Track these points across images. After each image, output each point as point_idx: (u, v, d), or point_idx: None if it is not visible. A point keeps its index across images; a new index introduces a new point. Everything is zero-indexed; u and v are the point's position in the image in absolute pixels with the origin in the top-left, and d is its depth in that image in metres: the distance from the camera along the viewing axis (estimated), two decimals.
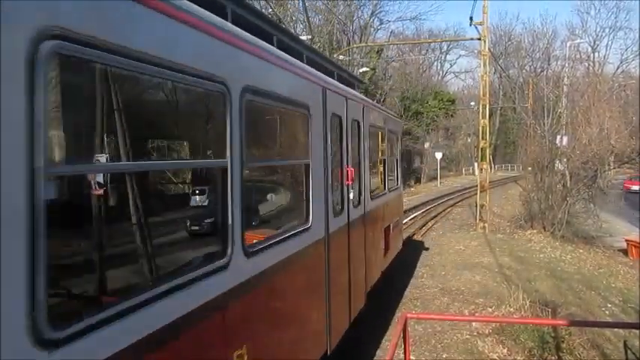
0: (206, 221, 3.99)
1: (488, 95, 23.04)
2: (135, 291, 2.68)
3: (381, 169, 10.14)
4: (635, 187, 40.40)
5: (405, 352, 5.26)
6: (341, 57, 33.46)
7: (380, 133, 9.81)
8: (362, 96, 8.53)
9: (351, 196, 6.79)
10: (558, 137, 24.51)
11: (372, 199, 8.24)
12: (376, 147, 9.77)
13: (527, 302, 10.41)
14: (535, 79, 54.64)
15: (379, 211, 9.08)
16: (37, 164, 1.90)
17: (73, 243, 3.23)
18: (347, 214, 6.62)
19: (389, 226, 10.14)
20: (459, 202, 34.01)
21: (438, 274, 13.18)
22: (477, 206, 23.06)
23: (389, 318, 9.59)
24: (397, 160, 12.00)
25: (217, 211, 3.50)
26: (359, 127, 7.48)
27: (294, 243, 4.67)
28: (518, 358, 8.38)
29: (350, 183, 6.69)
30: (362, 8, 44.61)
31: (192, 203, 4.79)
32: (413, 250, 16.73)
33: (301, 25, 37.48)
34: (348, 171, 6.64)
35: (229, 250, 3.36)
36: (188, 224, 4.28)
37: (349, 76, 8.63)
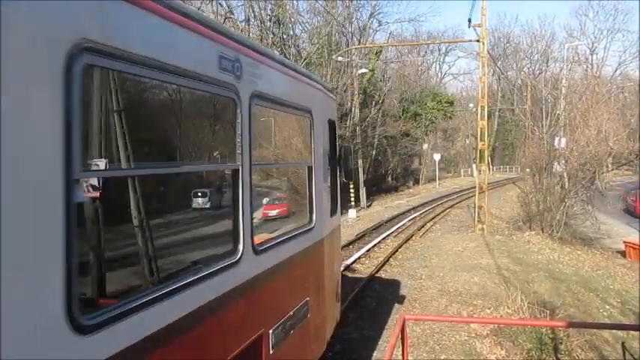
0: None
1: (486, 97, 23.08)
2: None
3: (236, 196, 3.67)
4: None
5: (403, 354, 5.24)
6: (340, 58, 33.50)
7: (250, 108, 3.72)
8: None
9: None
10: (556, 139, 24.54)
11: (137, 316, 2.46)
12: (220, 140, 4.18)
13: (526, 303, 10.40)
14: (533, 81, 54.82)
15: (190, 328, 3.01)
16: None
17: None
18: None
19: (279, 325, 4.39)
20: (457, 203, 34.06)
21: (436, 276, 13.17)
22: (475, 207, 23.10)
23: (387, 319, 9.59)
24: (321, 168, 5.71)
25: None
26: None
27: None
28: (516, 359, 8.38)
29: None
30: (361, 10, 44.57)
31: None
32: (413, 252, 16.81)
33: (300, 27, 37.56)
34: None
35: None
36: None
37: None
